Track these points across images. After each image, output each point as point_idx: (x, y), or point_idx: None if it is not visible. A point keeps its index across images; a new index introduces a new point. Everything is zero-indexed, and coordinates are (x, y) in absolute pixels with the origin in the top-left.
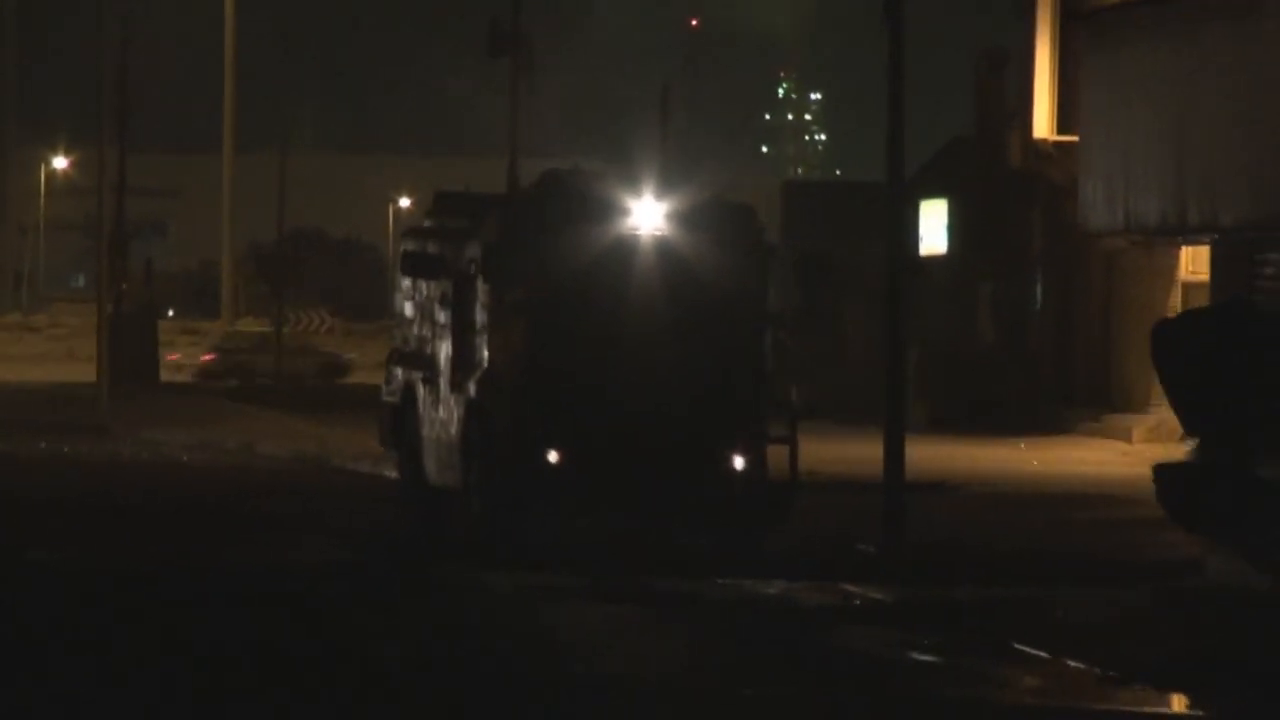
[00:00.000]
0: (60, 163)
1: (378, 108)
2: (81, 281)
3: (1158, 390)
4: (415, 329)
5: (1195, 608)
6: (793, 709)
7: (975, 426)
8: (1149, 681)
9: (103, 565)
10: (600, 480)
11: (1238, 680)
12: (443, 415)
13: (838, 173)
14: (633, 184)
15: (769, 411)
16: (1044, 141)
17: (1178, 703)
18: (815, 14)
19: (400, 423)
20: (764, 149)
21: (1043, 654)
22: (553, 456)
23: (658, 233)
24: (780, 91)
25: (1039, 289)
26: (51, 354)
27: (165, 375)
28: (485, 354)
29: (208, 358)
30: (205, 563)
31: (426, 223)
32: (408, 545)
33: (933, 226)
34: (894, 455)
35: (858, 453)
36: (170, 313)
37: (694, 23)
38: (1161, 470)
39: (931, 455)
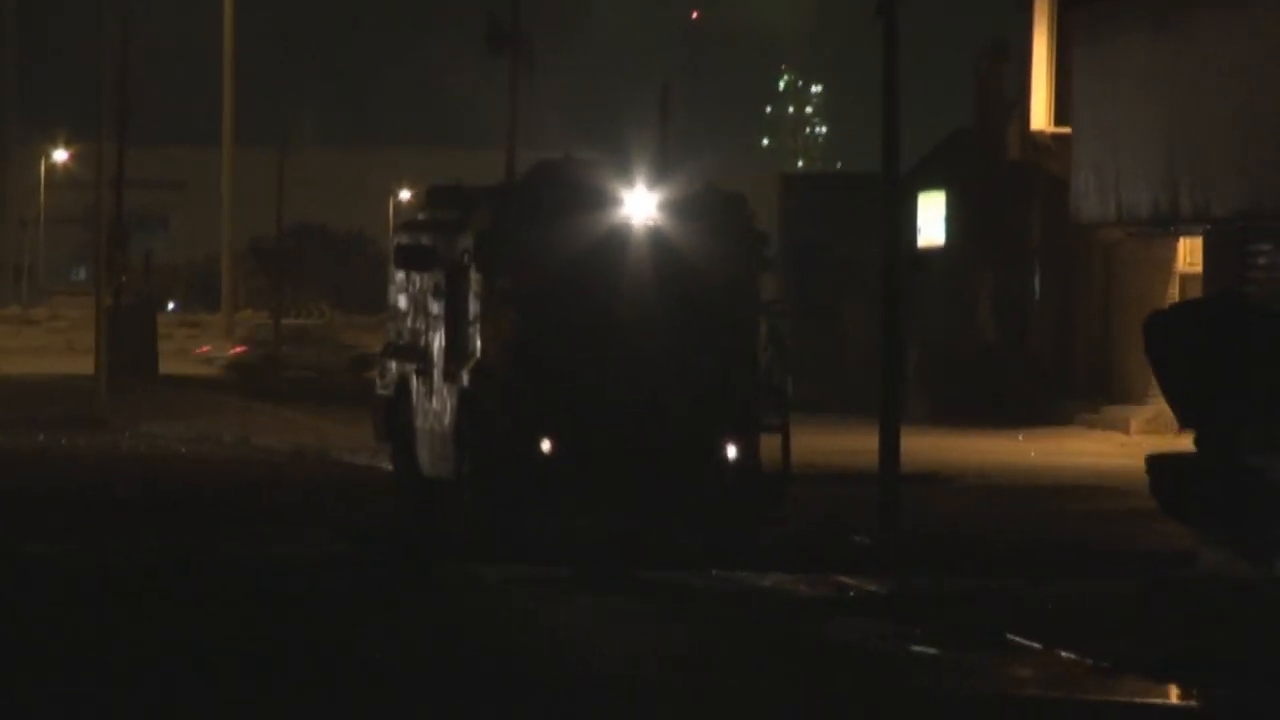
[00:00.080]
0: (60, 155)
1: (378, 105)
2: (82, 274)
3: (1156, 382)
4: (409, 321)
5: (1187, 599)
6: (786, 701)
7: (975, 419)
8: (1141, 672)
9: (101, 558)
10: (592, 469)
11: (1230, 670)
12: (436, 406)
13: (839, 165)
14: (625, 174)
15: (762, 399)
16: (1042, 133)
17: (1170, 693)
18: (816, 10)
19: (394, 415)
20: (765, 141)
21: (1036, 645)
22: (545, 445)
23: (650, 222)
24: (781, 84)
25: (1037, 281)
26: (51, 347)
27: (194, 369)
28: (478, 344)
29: (239, 350)
30: (204, 556)
31: (420, 216)
32: (405, 539)
33: (931, 218)
34: (889, 447)
35: (854, 445)
36: (171, 306)
37: (694, 14)
38: (1154, 461)
39: (930, 447)
